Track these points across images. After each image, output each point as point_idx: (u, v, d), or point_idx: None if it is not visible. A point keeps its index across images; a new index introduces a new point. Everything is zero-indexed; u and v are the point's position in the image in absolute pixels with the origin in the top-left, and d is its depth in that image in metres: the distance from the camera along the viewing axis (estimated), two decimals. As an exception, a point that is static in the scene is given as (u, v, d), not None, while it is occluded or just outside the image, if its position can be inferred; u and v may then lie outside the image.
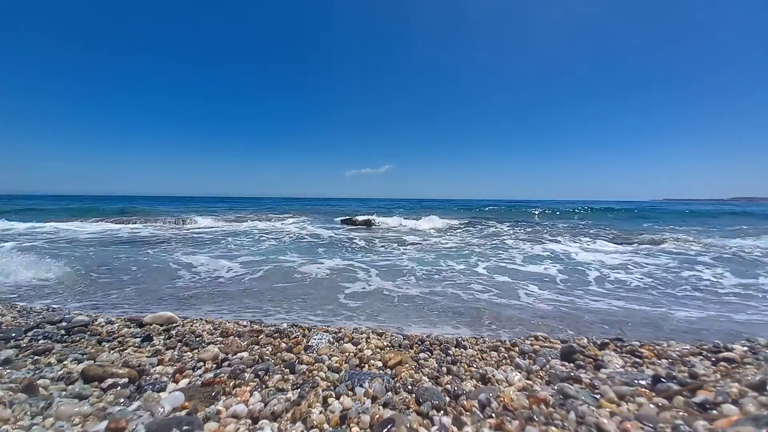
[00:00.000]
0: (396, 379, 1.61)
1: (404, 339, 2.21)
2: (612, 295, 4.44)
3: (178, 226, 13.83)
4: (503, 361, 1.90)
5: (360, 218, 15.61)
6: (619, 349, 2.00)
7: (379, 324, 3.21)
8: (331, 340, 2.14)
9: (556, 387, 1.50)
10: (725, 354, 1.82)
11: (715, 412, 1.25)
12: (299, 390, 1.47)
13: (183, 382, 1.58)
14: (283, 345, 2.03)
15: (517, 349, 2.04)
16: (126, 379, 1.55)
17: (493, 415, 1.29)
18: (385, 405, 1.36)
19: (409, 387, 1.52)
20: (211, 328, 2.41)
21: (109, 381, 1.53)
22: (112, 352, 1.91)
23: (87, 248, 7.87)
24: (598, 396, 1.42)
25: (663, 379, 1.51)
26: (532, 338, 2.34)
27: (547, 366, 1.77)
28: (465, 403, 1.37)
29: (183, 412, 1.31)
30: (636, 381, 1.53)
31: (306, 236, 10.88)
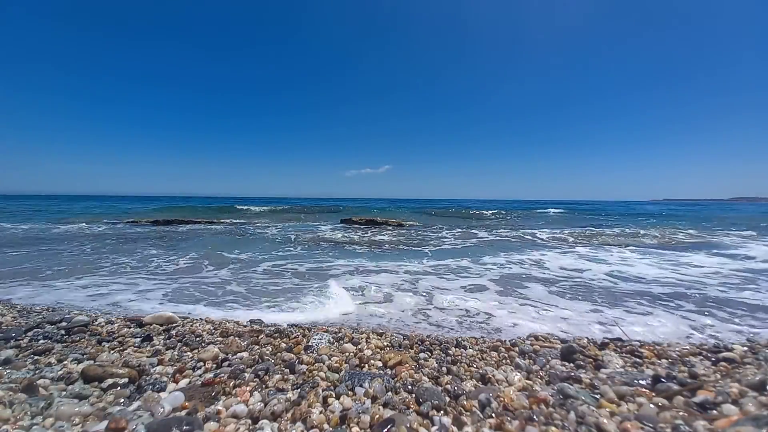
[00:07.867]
0: (396, 379, 1.61)
1: (404, 339, 2.21)
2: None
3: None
4: (503, 361, 1.90)
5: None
6: (619, 349, 2.00)
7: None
8: (331, 340, 2.14)
9: (556, 387, 1.50)
10: (725, 354, 1.82)
11: (715, 412, 1.25)
12: (299, 390, 1.47)
13: (183, 382, 1.58)
14: (283, 345, 2.03)
15: (517, 349, 2.04)
16: (126, 379, 1.56)
17: (493, 415, 1.29)
18: (385, 405, 1.36)
19: (409, 387, 1.52)
20: (211, 328, 2.41)
21: (109, 381, 1.53)
22: (112, 352, 1.91)
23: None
24: (598, 396, 1.42)
25: (663, 379, 1.51)
26: (532, 338, 2.34)
27: (547, 366, 1.77)
28: (465, 403, 1.37)
29: (183, 412, 1.31)
30: (636, 381, 1.53)
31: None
